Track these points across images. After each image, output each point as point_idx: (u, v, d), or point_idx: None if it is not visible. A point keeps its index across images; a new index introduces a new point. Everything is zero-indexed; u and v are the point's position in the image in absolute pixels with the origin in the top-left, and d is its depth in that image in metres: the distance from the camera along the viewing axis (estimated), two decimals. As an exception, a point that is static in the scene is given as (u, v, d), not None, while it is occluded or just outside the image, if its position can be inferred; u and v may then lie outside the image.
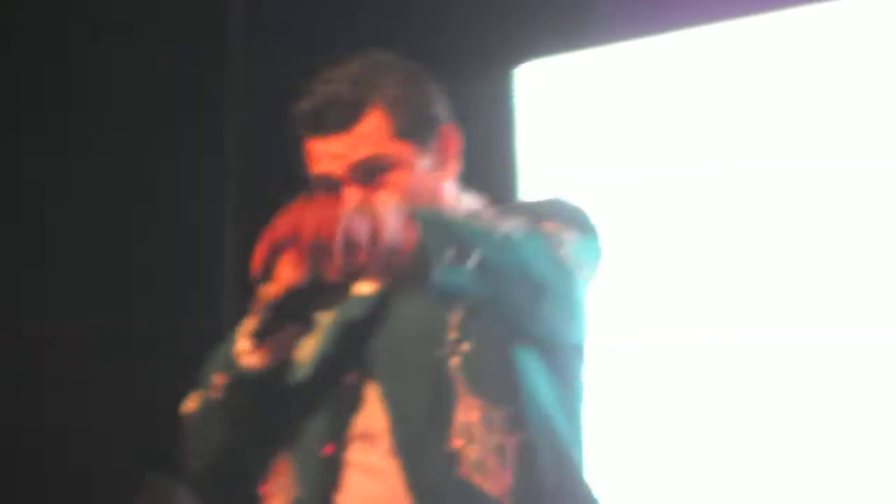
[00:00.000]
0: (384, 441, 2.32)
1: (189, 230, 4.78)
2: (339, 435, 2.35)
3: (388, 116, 2.40)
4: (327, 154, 2.39)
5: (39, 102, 4.73)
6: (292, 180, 2.43)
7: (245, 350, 2.32)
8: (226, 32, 4.87)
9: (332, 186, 2.39)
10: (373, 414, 2.35)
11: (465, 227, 2.18)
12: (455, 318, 2.34)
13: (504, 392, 2.32)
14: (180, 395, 2.45)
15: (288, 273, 2.17)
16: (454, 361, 2.32)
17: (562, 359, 2.40)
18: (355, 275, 2.15)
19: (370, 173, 2.38)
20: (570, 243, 2.32)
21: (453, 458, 2.29)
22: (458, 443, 2.30)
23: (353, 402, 2.36)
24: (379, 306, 2.38)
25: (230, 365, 2.33)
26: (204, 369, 2.40)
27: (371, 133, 2.38)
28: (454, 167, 2.46)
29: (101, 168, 4.76)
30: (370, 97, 2.39)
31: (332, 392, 2.38)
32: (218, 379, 2.35)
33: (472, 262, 2.12)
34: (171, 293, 4.77)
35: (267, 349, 2.30)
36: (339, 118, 2.38)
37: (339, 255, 2.03)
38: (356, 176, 2.38)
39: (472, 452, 2.29)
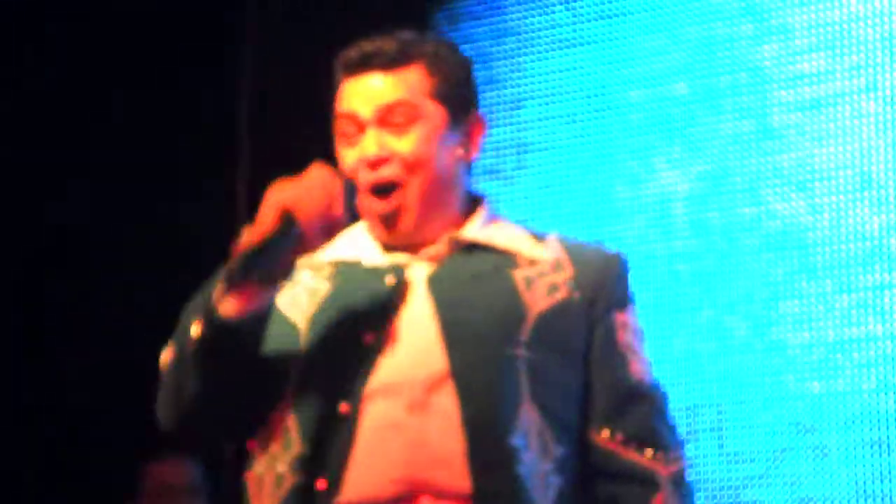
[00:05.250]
0: (406, 395, 2.31)
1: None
2: (353, 393, 2.32)
3: (429, 76, 2.43)
4: (359, 92, 2.42)
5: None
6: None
7: (223, 296, 2.29)
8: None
9: (353, 125, 2.42)
10: (393, 369, 2.33)
11: None
12: (531, 318, 2.37)
13: (561, 425, 2.36)
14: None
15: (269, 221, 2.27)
16: (521, 366, 2.33)
17: None
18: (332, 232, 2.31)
19: (395, 119, 2.41)
20: None
21: (512, 454, 2.29)
22: (517, 441, 2.31)
23: (370, 361, 2.33)
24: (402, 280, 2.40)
25: (208, 312, 2.29)
26: (183, 315, 2.37)
27: (409, 82, 2.43)
28: (473, 155, 2.48)
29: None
30: (416, 55, 2.43)
31: (344, 351, 2.35)
32: (195, 327, 2.31)
33: None
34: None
35: (245, 298, 2.29)
36: (383, 59, 2.42)
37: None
38: (381, 117, 2.41)
39: (527, 457, 2.31)
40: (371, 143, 2.39)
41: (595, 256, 2.45)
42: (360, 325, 2.35)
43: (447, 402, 2.30)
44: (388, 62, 2.41)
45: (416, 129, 2.40)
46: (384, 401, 2.30)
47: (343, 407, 2.30)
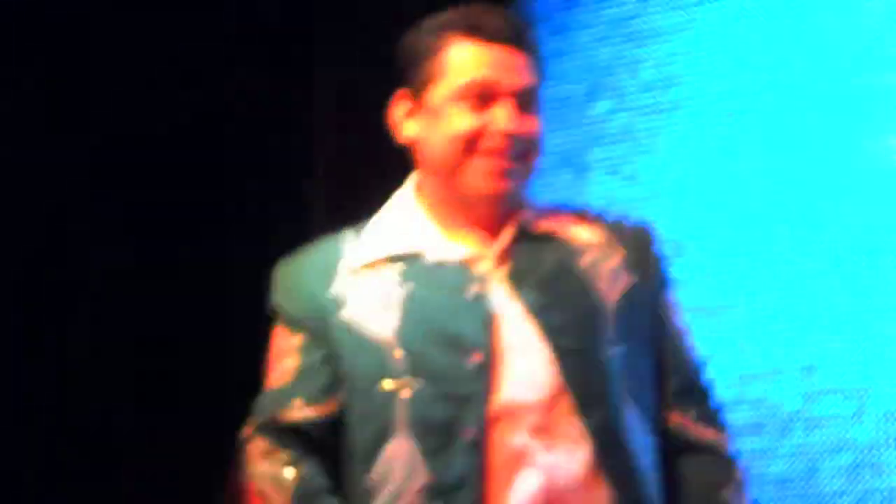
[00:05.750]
0: (529, 419, 2.29)
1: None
2: (476, 418, 2.29)
3: (540, 72, 2.45)
4: (502, 64, 2.39)
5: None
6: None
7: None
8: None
9: (486, 92, 2.38)
10: (511, 391, 2.31)
11: None
12: (611, 312, 2.38)
13: (649, 415, 2.40)
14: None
15: None
16: (617, 365, 2.35)
17: None
18: None
19: (530, 101, 2.41)
20: None
21: (635, 457, 2.32)
22: (634, 443, 2.33)
23: (485, 383, 2.30)
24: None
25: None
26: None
27: (538, 71, 2.43)
28: None
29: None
30: (539, 49, 2.45)
31: (454, 372, 2.31)
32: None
33: None
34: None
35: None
36: (522, 37, 2.40)
37: None
38: (521, 97, 2.40)
39: (642, 456, 2.35)
40: (512, 117, 2.37)
41: (635, 234, 2.48)
42: (462, 343, 2.32)
43: (568, 419, 2.30)
44: (529, 46, 2.42)
45: (537, 117, 2.42)
46: (508, 426, 2.29)
47: (468, 432, 2.28)
